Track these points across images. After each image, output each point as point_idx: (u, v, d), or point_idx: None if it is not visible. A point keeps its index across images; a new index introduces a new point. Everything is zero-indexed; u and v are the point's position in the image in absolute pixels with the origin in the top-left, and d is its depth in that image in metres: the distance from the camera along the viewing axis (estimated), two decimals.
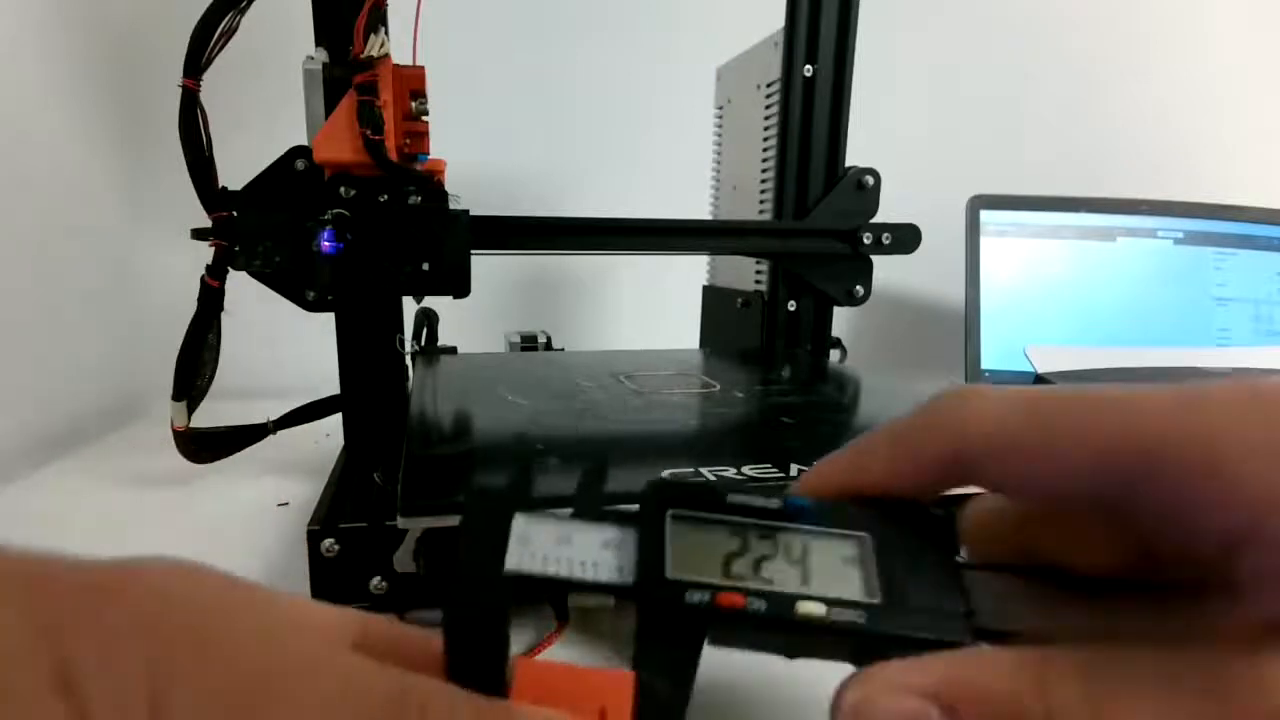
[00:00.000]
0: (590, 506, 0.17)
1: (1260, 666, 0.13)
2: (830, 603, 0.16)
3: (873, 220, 0.51)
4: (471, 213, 0.41)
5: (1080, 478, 0.15)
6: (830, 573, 0.16)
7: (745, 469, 0.28)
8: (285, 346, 0.62)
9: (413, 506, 0.25)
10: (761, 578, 0.16)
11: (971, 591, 0.17)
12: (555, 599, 0.16)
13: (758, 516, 0.17)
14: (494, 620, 0.15)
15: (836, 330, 0.57)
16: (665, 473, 0.28)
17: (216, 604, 0.14)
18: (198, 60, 0.37)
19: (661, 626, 0.16)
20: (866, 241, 0.51)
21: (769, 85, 0.53)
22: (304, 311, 0.42)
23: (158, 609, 0.13)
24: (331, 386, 0.44)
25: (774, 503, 0.17)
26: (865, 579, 0.16)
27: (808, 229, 0.52)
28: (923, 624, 0.16)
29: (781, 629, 0.16)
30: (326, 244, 0.38)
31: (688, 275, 0.68)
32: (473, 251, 0.41)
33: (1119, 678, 0.14)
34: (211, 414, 0.43)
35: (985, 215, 0.65)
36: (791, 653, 0.18)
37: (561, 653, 0.30)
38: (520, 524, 0.16)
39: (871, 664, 0.15)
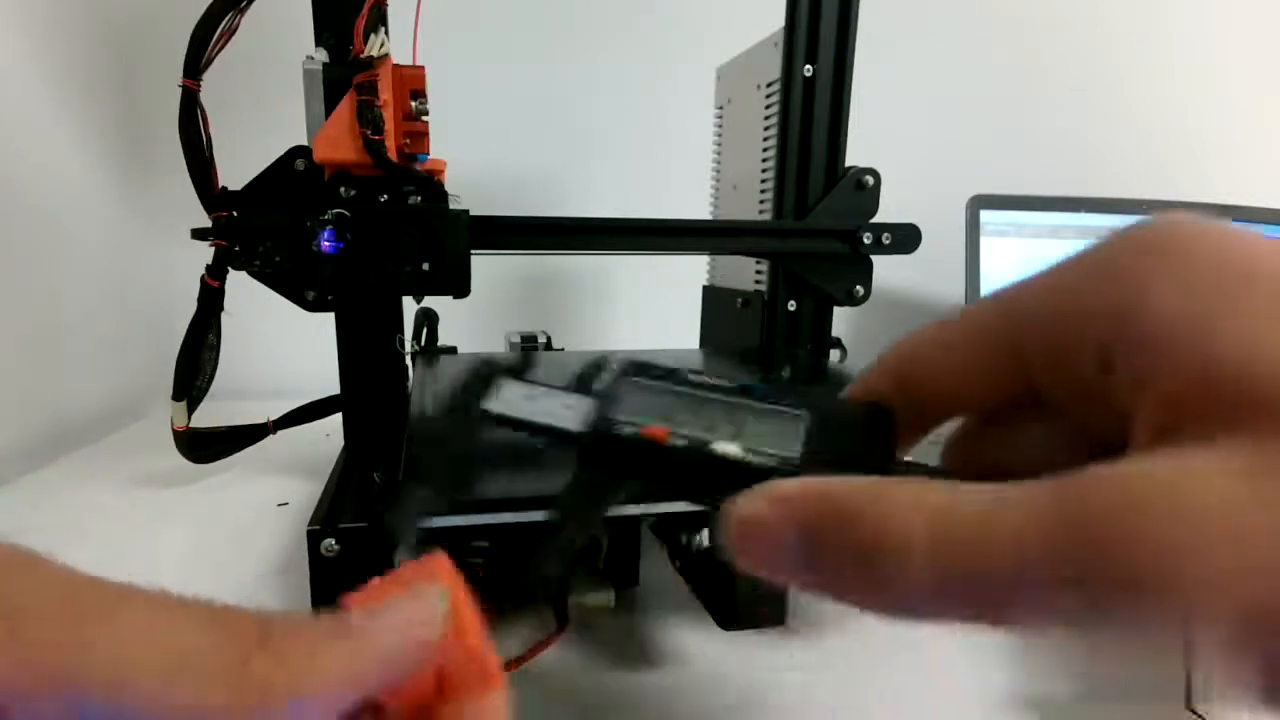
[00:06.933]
0: (558, 379, 0.21)
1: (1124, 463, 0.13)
2: (750, 451, 0.17)
3: (873, 220, 0.51)
4: (471, 213, 0.41)
5: (976, 345, 0.17)
6: (761, 437, 0.18)
7: None
8: (285, 346, 0.62)
9: None
10: (697, 428, 0.18)
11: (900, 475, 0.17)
12: (528, 431, 0.20)
13: (707, 390, 0.19)
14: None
15: (836, 330, 0.56)
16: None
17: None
18: (198, 60, 0.37)
19: (593, 453, 0.18)
20: (866, 241, 0.51)
21: (769, 85, 0.53)
22: (304, 311, 0.42)
23: None
24: (331, 386, 0.44)
25: (725, 381, 0.19)
26: (793, 445, 0.18)
27: (808, 229, 0.52)
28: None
29: (698, 464, 0.17)
30: (326, 244, 0.38)
31: (688, 275, 0.68)
32: (473, 251, 0.41)
33: (960, 498, 0.13)
34: (211, 414, 0.43)
35: (985, 215, 0.65)
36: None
37: (561, 654, 0.30)
38: (500, 383, 0.20)
39: None
